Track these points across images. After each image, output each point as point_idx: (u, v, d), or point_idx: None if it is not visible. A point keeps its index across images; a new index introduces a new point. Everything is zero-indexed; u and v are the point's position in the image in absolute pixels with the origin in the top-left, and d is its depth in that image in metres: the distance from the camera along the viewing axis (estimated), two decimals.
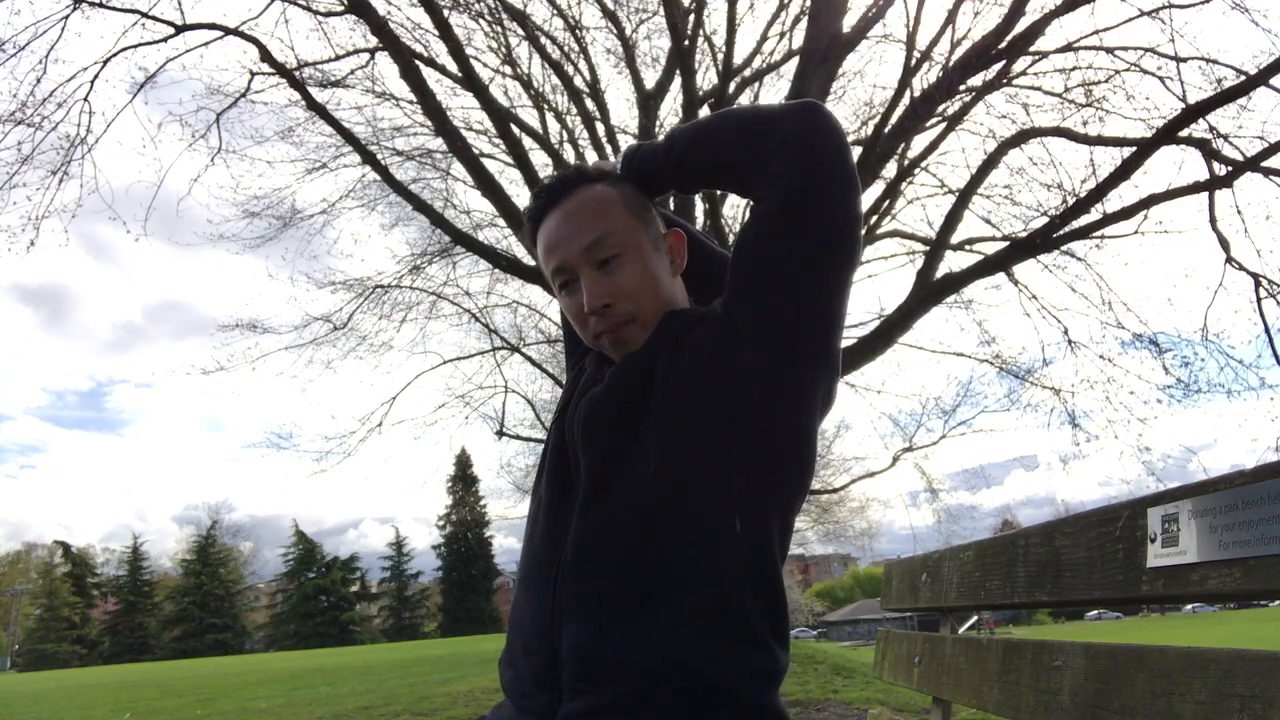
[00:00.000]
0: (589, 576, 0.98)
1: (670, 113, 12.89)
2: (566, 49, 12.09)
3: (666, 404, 1.02)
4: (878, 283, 28.93)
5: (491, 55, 12.01)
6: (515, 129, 11.21)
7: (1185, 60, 8.28)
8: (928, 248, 10.47)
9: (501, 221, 10.65)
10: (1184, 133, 8.11)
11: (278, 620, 64.77)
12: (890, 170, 9.94)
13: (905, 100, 8.83)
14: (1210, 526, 0.83)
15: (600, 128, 12.41)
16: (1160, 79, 8.69)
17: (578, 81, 12.30)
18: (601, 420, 1.07)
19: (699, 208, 11.25)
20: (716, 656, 0.93)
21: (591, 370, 1.18)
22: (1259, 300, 8.65)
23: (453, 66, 10.24)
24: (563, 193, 1.12)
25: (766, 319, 1.00)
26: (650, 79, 13.03)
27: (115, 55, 9.49)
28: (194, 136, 10.69)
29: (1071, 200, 9.04)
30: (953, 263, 10.68)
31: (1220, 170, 8.22)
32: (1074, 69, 9.63)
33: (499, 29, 11.50)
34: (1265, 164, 8.00)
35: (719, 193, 12.42)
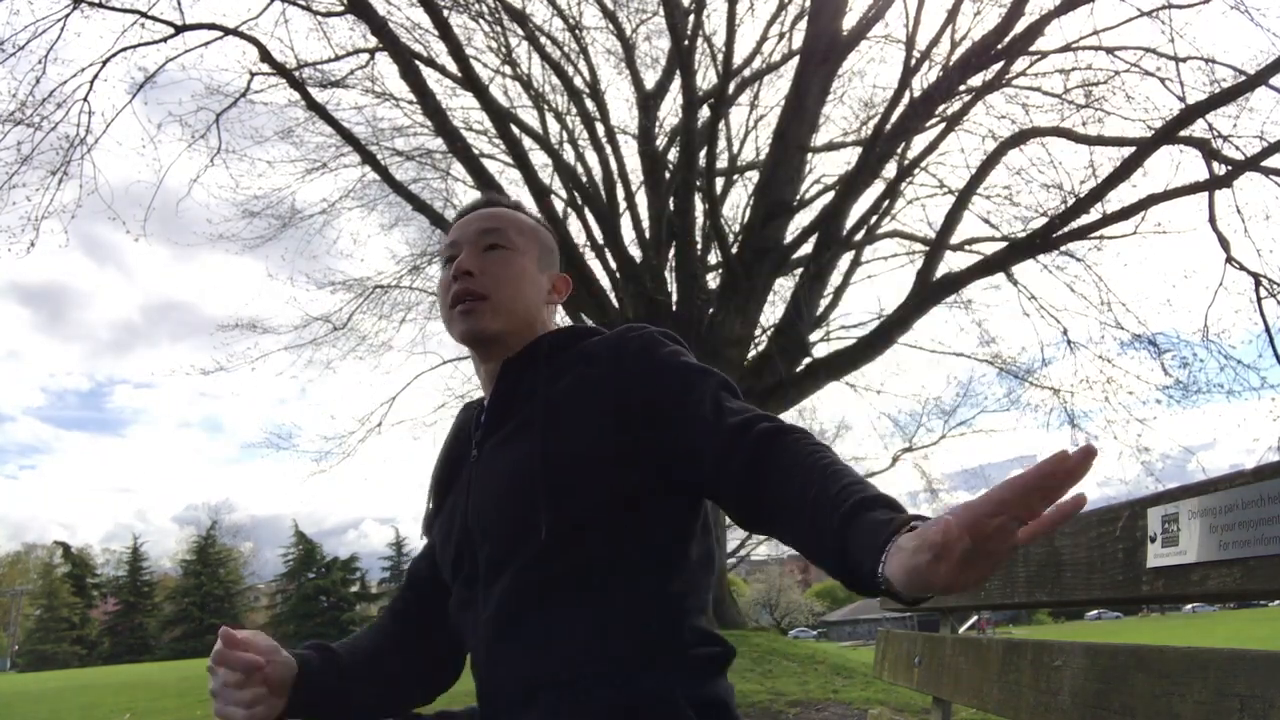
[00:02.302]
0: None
1: (670, 113, 12.91)
2: (566, 49, 12.09)
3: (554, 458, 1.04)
4: (878, 283, 28.97)
5: (491, 55, 12.02)
6: (515, 129, 11.20)
7: (1185, 60, 8.28)
8: (928, 248, 10.46)
9: None
10: (1184, 133, 8.11)
11: (278, 620, 64.76)
12: (890, 170, 9.93)
13: (905, 100, 8.83)
14: (1210, 526, 0.83)
15: (600, 128, 12.41)
16: (1160, 79, 8.68)
17: (578, 82, 12.29)
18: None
19: (698, 208, 11.24)
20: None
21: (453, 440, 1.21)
22: (1259, 300, 8.65)
23: (452, 67, 10.24)
24: (491, 205, 1.25)
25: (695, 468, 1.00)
26: (650, 79, 13.02)
27: (115, 55, 9.49)
28: (194, 137, 10.68)
29: (1071, 200, 9.03)
30: (952, 263, 10.68)
31: (1220, 170, 8.21)
32: (1073, 69, 9.63)
33: (499, 29, 11.49)
34: (1265, 164, 7.99)
35: (719, 192, 12.44)
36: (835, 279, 11.36)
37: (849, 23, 10.26)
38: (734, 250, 10.40)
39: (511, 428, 1.09)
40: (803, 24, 11.06)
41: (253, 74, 10.35)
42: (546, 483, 1.00)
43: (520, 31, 11.46)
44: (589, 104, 12.43)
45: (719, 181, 12.44)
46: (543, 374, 1.11)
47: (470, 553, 1.08)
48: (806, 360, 10.42)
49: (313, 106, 10.30)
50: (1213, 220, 8.58)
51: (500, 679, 1.03)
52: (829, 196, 11.10)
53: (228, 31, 9.75)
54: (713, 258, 12.35)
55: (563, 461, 1.02)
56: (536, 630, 1.00)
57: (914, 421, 16.34)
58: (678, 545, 1.05)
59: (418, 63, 9.97)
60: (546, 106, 12.81)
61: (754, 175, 12.64)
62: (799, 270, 10.92)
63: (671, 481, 1.03)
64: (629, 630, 0.98)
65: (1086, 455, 0.65)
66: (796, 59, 10.51)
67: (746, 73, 12.54)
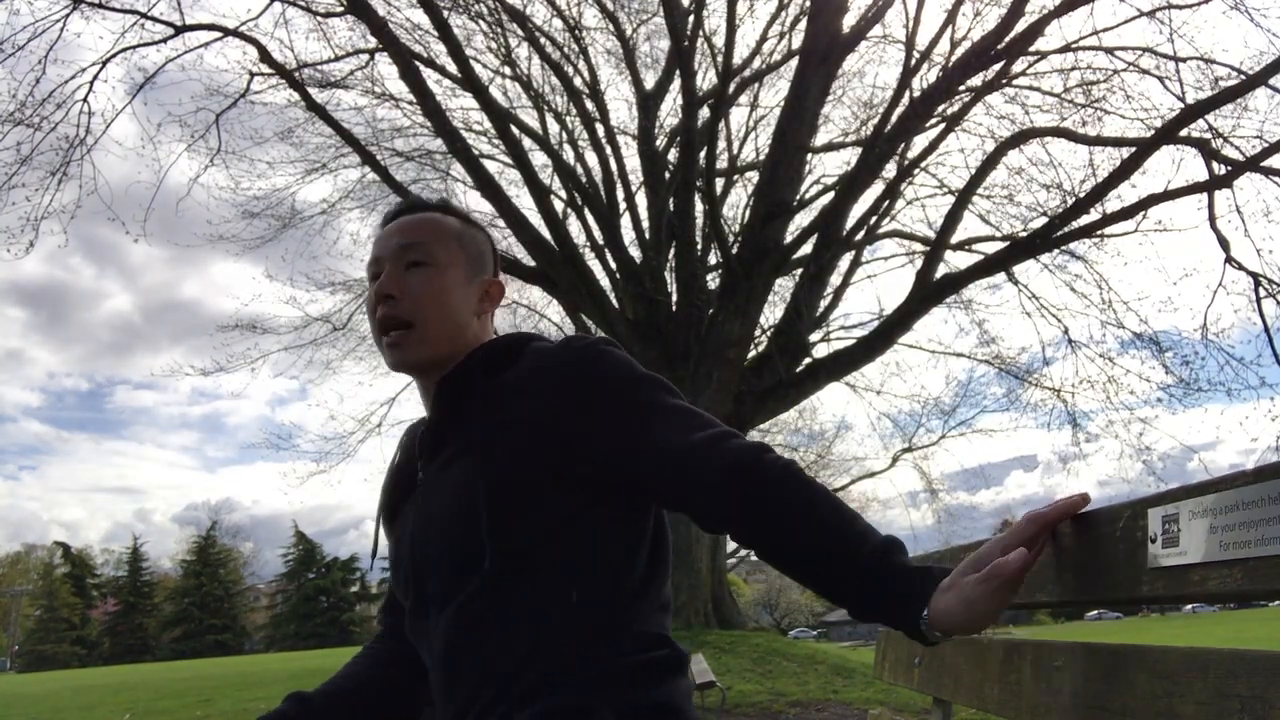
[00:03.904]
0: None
1: (670, 113, 12.91)
2: (566, 49, 12.09)
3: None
4: (878, 283, 28.90)
5: (491, 56, 12.02)
6: (515, 129, 11.21)
7: (1184, 60, 8.29)
8: (928, 248, 10.46)
9: (501, 222, 10.65)
10: (1183, 132, 8.11)
11: (277, 621, 64.74)
12: (890, 170, 9.93)
13: (905, 100, 8.83)
14: (1211, 527, 0.83)
15: (600, 128, 12.41)
16: (1159, 79, 8.69)
17: (577, 82, 12.29)
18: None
19: (698, 208, 11.25)
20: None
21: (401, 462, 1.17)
22: (1258, 299, 8.65)
23: (452, 67, 10.25)
24: (415, 210, 1.17)
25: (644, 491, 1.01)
26: (650, 79, 13.03)
27: (115, 56, 9.50)
28: (193, 137, 10.69)
29: (1071, 200, 9.04)
30: (952, 263, 10.69)
31: (1220, 170, 8.21)
32: (1073, 69, 9.63)
33: (499, 30, 11.50)
34: (1265, 164, 8.00)
35: (719, 192, 12.44)
36: (835, 279, 11.38)
37: (849, 23, 10.27)
38: (734, 250, 10.40)
39: (451, 452, 1.06)
40: (803, 24, 11.07)
41: (252, 74, 10.36)
42: (488, 513, 0.97)
43: (520, 32, 11.47)
44: (589, 104, 12.44)
45: (719, 182, 12.45)
46: (479, 393, 1.06)
47: (418, 583, 1.06)
48: (806, 360, 10.43)
49: (312, 107, 10.30)
50: (1212, 220, 8.58)
51: (447, 709, 1.03)
52: (829, 196, 11.10)
53: (228, 32, 9.76)
54: (713, 258, 12.36)
55: (503, 489, 0.98)
56: (480, 659, 0.98)
57: (914, 422, 16.34)
58: (626, 558, 1.03)
59: (417, 63, 9.97)
60: (546, 107, 12.81)
61: (754, 175, 12.65)
62: (799, 270, 10.92)
63: (619, 500, 1.01)
64: (562, 648, 0.96)
65: (1085, 499, 0.92)
66: (796, 59, 10.51)
67: (746, 73, 12.54)
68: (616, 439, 0.99)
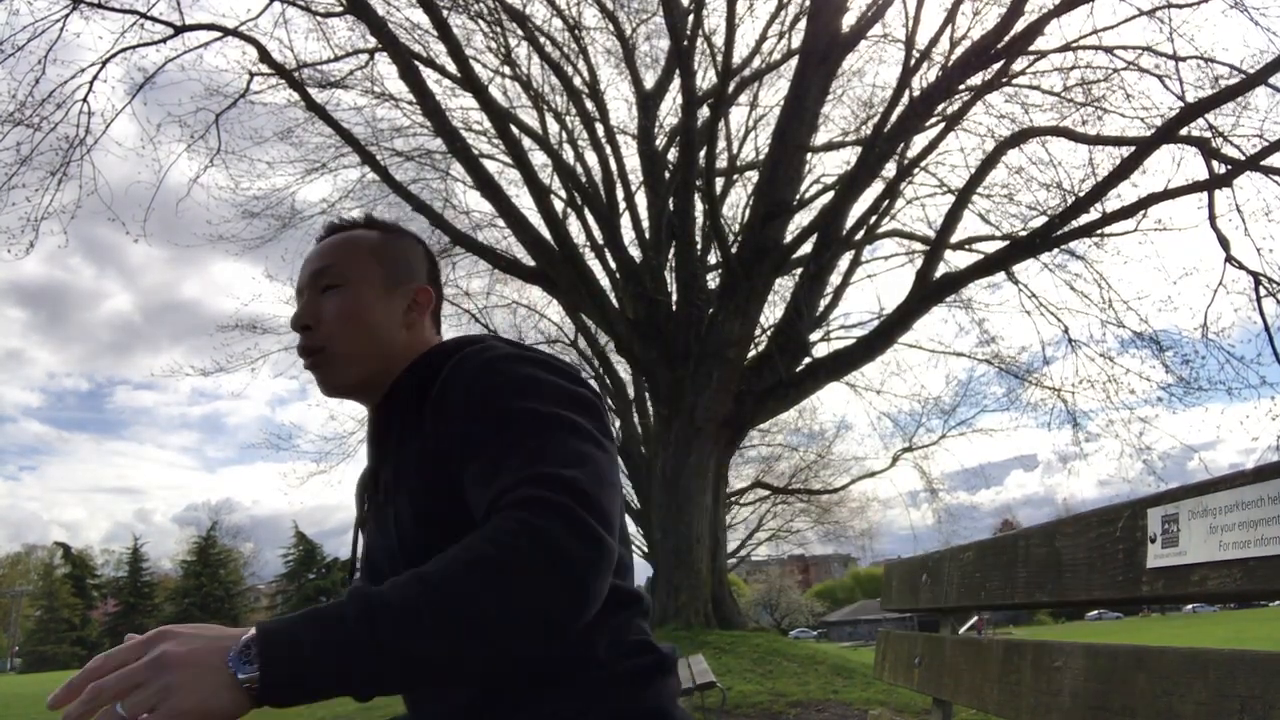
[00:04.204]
0: None
1: (670, 113, 12.91)
2: (566, 49, 12.09)
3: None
4: (877, 283, 28.94)
5: (491, 56, 12.02)
6: (515, 129, 11.20)
7: (1184, 59, 8.29)
8: (927, 247, 10.46)
9: (501, 222, 10.66)
10: (1183, 131, 8.10)
11: None
12: (890, 170, 9.93)
13: (905, 100, 8.82)
14: (1210, 527, 0.82)
15: (600, 128, 12.41)
16: (1159, 78, 8.69)
17: (577, 82, 12.29)
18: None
19: (698, 208, 11.24)
20: None
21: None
22: (1259, 298, 8.64)
23: (452, 67, 10.24)
24: (332, 233, 1.15)
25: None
26: (650, 79, 13.03)
27: (114, 56, 9.49)
28: (193, 137, 10.69)
29: (1071, 199, 9.03)
30: (952, 262, 10.68)
31: (1220, 169, 8.21)
32: (1073, 68, 9.63)
33: (498, 29, 11.49)
34: (1265, 163, 7.99)
35: (719, 192, 12.45)
36: (835, 279, 11.38)
37: (849, 22, 10.26)
38: (734, 250, 10.40)
39: (386, 481, 1.04)
40: (802, 24, 11.06)
41: (252, 74, 10.36)
42: (404, 553, 0.95)
43: (520, 32, 11.46)
44: (589, 104, 12.44)
45: (719, 181, 12.45)
46: (405, 417, 1.01)
47: None
48: (806, 360, 10.42)
49: (312, 107, 10.30)
50: (1212, 219, 8.57)
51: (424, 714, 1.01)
52: (829, 196, 11.10)
53: (227, 32, 9.75)
54: (713, 258, 12.36)
55: (421, 523, 0.94)
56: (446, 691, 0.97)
57: (914, 421, 16.34)
58: None
59: (417, 63, 9.97)
60: (546, 106, 12.81)
61: (754, 175, 12.64)
62: (799, 270, 10.92)
63: None
64: (538, 659, 0.91)
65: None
66: (796, 59, 10.51)
67: (746, 73, 12.53)
68: (460, 450, 0.91)
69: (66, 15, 9.03)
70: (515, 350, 0.99)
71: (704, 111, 10.55)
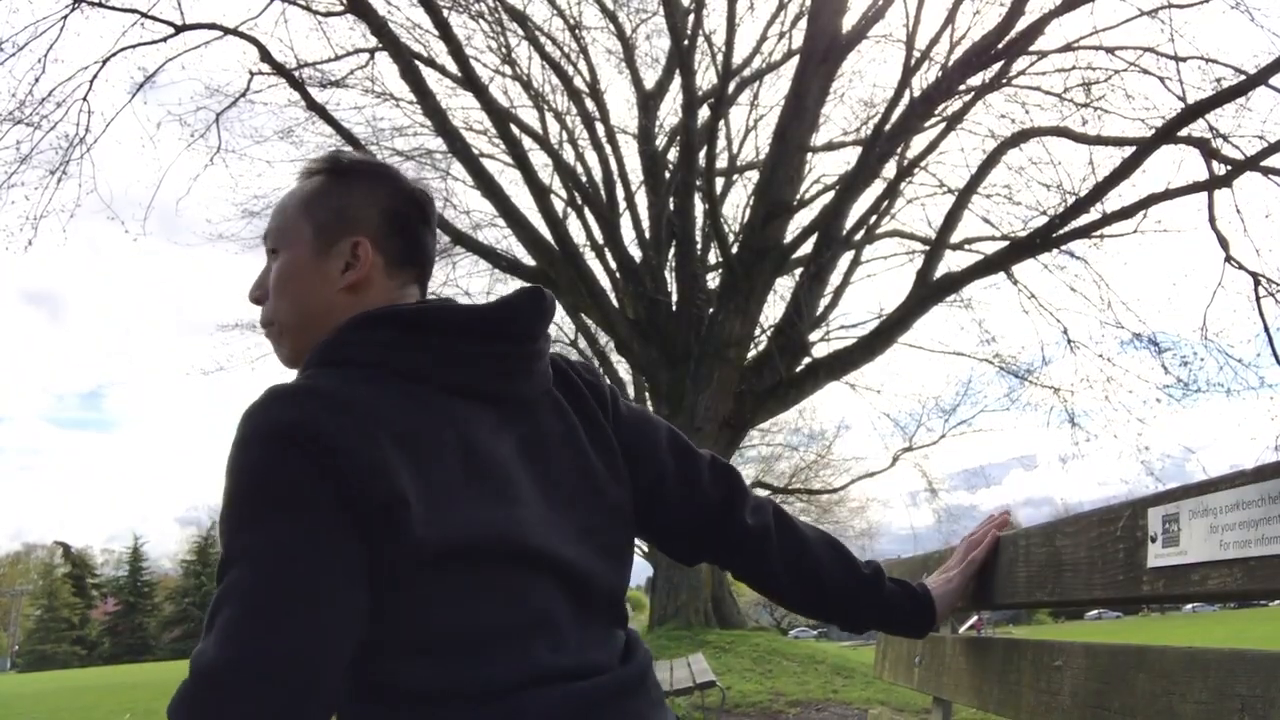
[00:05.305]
0: None
1: (670, 113, 12.91)
2: (566, 49, 12.10)
3: None
4: (877, 283, 28.99)
5: (491, 55, 12.03)
6: (515, 129, 11.20)
7: (1185, 60, 8.29)
8: (927, 247, 10.46)
9: (501, 221, 10.66)
10: (1183, 132, 8.10)
11: None
12: (890, 170, 9.94)
13: (905, 100, 8.83)
14: (1211, 526, 0.83)
15: (600, 128, 12.41)
16: (1160, 79, 8.69)
17: (577, 82, 12.30)
18: None
19: (698, 207, 11.24)
20: None
21: None
22: (1258, 299, 8.65)
23: (452, 67, 10.24)
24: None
25: None
26: (650, 79, 13.03)
27: (115, 55, 9.49)
28: (193, 136, 10.69)
29: (1071, 200, 9.03)
30: (952, 262, 10.68)
31: (1220, 170, 8.21)
32: (1073, 69, 9.63)
33: (499, 29, 11.50)
34: (1265, 163, 7.99)
35: (719, 192, 12.45)
36: (835, 279, 11.37)
37: (849, 22, 10.26)
38: (734, 250, 10.40)
39: None
40: (803, 23, 11.07)
41: (252, 74, 10.36)
42: None
43: (520, 31, 11.47)
44: (589, 104, 12.44)
45: (719, 181, 12.45)
46: None
47: None
48: (806, 360, 10.43)
49: (312, 106, 10.30)
50: (1212, 220, 8.58)
51: None
52: (829, 196, 11.10)
53: (228, 31, 9.75)
54: (713, 258, 12.36)
55: None
56: None
57: (914, 421, 16.38)
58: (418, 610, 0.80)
59: (418, 63, 9.97)
60: (546, 106, 12.82)
61: (754, 175, 12.64)
62: (799, 270, 10.92)
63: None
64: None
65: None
66: (796, 59, 10.51)
67: (746, 72, 12.54)
68: None
69: (67, 15, 9.04)
70: (243, 427, 0.82)
71: (704, 111, 10.56)
